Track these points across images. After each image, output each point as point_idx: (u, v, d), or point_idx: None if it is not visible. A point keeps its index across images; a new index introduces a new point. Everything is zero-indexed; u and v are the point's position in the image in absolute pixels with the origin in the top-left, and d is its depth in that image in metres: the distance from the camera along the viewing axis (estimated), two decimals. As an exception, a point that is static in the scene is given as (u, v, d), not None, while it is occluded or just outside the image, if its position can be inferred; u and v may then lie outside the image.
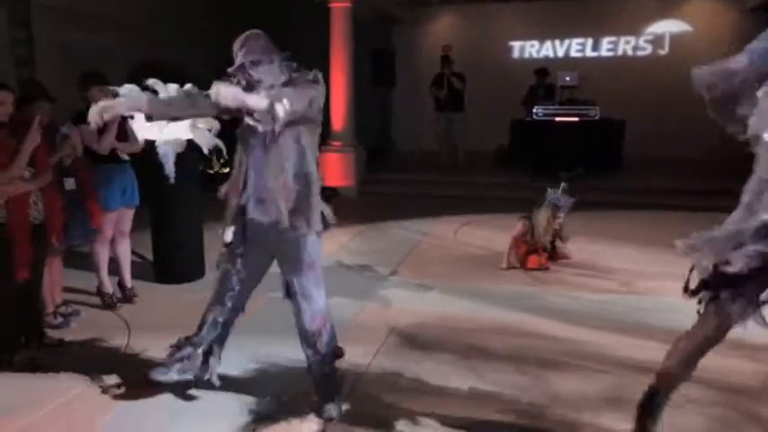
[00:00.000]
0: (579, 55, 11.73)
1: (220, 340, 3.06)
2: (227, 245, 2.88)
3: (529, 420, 2.86)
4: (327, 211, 2.81)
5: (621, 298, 4.51)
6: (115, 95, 3.32)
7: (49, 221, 3.47)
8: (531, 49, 12.06)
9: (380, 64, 10.59)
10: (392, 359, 3.47)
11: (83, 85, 4.08)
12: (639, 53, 11.41)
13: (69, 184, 3.89)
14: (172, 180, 4.40)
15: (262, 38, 2.67)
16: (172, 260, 4.93)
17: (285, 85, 2.63)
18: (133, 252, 4.69)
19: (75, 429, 2.81)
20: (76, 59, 6.55)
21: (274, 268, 2.91)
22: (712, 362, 2.42)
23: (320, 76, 2.71)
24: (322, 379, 2.87)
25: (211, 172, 9.20)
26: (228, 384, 3.13)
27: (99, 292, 4.40)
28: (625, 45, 11.50)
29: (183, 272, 4.93)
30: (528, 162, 9.34)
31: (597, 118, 9.38)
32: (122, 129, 4.15)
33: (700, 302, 2.33)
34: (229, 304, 2.94)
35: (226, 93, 2.40)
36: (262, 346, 3.52)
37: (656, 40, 11.26)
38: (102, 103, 2.62)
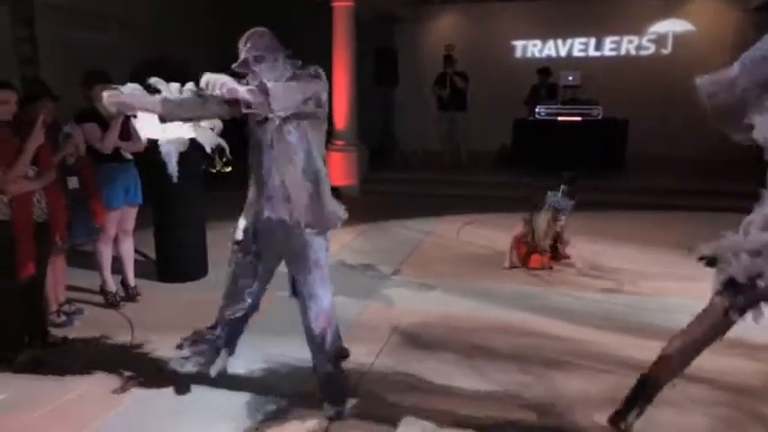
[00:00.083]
0: (582, 54, 11.71)
1: (233, 337, 3.09)
2: (236, 242, 2.90)
3: (532, 419, 2.85)
4: (339, 208, 2.81)
5: (624, 298, 4.51)
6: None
7: (52, 220, 3.48)
8: (533, 48, 12.05)
9: (383, 63, 10.60)
10: (395, 358, 3.47)
11: (86, 83, 4.09)
12: (642, 53, 11.40)
13: (72, 182, 3.90)
14: (175, 179, 4.40)
15: (266, 35, 2.68)
16: (175, 259, 4.94)
17: (289, 79, 2.63)
18: (136, 251, 4.69)
19: (79, 427, 2.81)
20: (80, 58, 6.56)
21: (284, 266, 2.92)
22: (714, 361, 2.43)
23: (321, 71, 2.71)
24: (326, 378, 2.87)
25: (214, 171, 9.22)
26: (234, 383, 3.14)
27: (102, 291, 4.41)
28: (628, 44, 11.48)
29: (186, 270, 4.94)
30: (530, 162, 9.33)
31: (600, 118, 9.37)
32: (125, 128, 4.15)
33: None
34: (244, 302, 2.95)
35: (214, 81, 2.40)
36: (269, 345, 3.52)
37: (659, 40, 11.24)
38: (116, 95, 2.63)
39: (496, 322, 4.02)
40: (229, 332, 3.07)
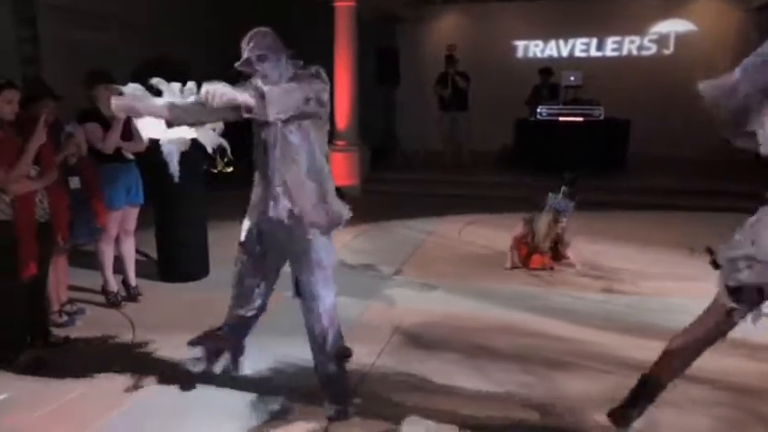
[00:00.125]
0: (584, 55, 11.71)
1: (241, 337, 3.12)
2: (241, 243, 2.92)
3: (533, 419, 2.85)
4: (343, 207, 2.82)
5: (625, 298, 4.50)
6: (120, 95, 3.34)
7: (54, 220, 3.48)
8: (535, 48, 12.05)
9: (384, 63, 10.60)
10: (396, 358, 3.47)
11: (89, 83, 4.09)
12: (644, 53, 11.39)
13: (74, 182, 3.90)
14: (176, 179, 4.39)
15: (269, 35, 2.70)
16: (176, 259, 4.94)
17: (290, 80, 2.65)
18: (138, 251, 4.69)
19: (81, 427, 2.81)
20: (81, 58, 6.57)
21: (288, 266, 2.93)
22: (715, 362, 2.43)
23: (322, 70, 2.72)
24: (327, 378, 2.87)
25: (215, 171, 9.22)
26: (238, 382, 3.15)
27: (104, 291, 4.41)
28: (630, 45, 11.48)
29: (188, 270, 4.94)
30: (532, 162, 9.33)
31: (602, 118, 9.37)
32: (127, 128, 4.15)
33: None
34: (254, 302, 2.99)
35: (213, 92, 2.40)
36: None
37: (661, 40, 11.23)
38: (124, 101, 2.67)
39: (498, 322, 4.02)
40: (238, 332, 3.09)
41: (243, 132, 2.90)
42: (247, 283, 2.95)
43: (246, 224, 2.91)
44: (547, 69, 10.07)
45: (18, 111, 3.28)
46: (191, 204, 4.89)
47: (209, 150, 4.45)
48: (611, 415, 2.57)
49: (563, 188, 5.15)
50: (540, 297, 4.55)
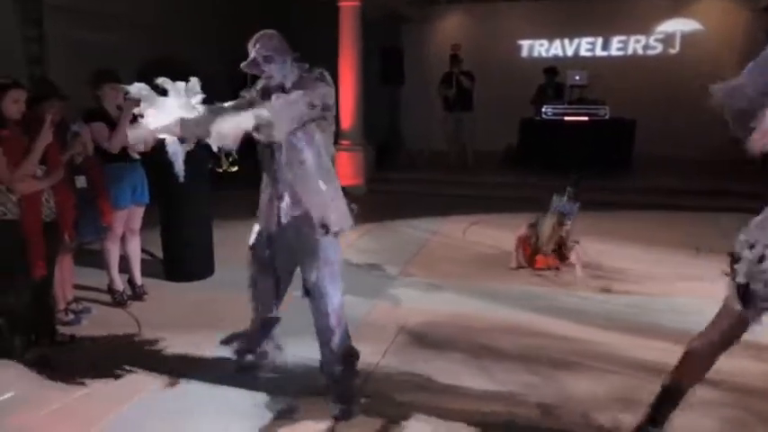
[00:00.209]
0: (589, 54, 11.67)
1: (264, 337, 3.17)
2: (251, 247, 2.98)
3: (539, 420, 2.85)
4: (349, 208, 2.85)
5: (632, 298, 4.48)
6: (126, 94, 3.38)
7: (61, 219, 3.50)
8: (540, 48, 12.01)
9: (389, 62, 10.60)
10: (401, 358, 3.47)
11: (95, 82, 4.11)
12: (650, 52, 11.34)
13: (80, 182, 3.92)
14: (181, 178, 4.39)
15: (275, 37, 2.73)
16: (181, 258, 4.95)
17: (296, 83, 2.68)
18: (143, 250, 4.71)
19: (87, 425, 2.82)
20: (88, 58, 6.58)
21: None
22: (721, 363, 2.40)
23: (326, 73, 2.74)
24: (333, 378, 2.88)
25: (220, 171, 9.25)
26: (246, 381, 3.15)
27: (109, 290, 4.43)
28: (635, 44, 11.43)
29: (193, 270, 4.95)
30: (537, 162, 9.31)
31: (607, 117, 9.34)
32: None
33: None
34: (272, 304, 3.04)
35: (227, 132, 2.47)
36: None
37: (667, 39, 11.19)
38: (140, 132, 2.78)
39: (503, 322, 4.02)
40: (262, 332, 3.15)
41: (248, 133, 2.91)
42: (261, 285, 3.01)
43: (256, 228, 2.96)
44: (552, 69, 10.04)
45: (24, 110, 3.30)
46: (196, 204, 4.90)
47: (215, 150, 4.46)
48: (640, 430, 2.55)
49: (568, 189, 5.14)
50: (546, 297, 4.54)
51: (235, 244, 3.82)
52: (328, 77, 2.73)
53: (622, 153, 9.43)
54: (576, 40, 11.75)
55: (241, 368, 3.24)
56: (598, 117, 9.34)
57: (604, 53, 11.61)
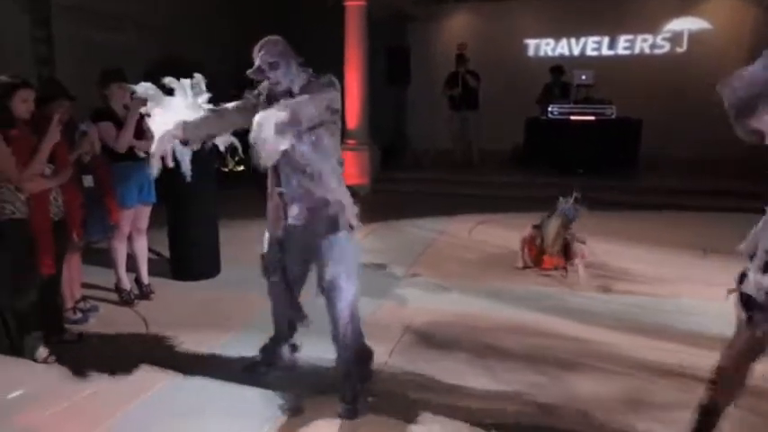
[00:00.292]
0: (595, 53, 11.60)
1: (291, 335, 3.23)
2: (263, 255, 3.02)
3: (544, 420, 2.84)
4: (355, 208, 2.88)
5: (638, 299, 4.47)
6: (133, 94, 3.41)
7: (69, 218, 3.52)
8: (546, 47, 11.95)
9: (395, 61, 10.60)
10: (407, 357, 3.47)
11: (102, 82, 4.13)
12: (657, 51, 11.25)
13: (88, 181, 3.94)
14: (188, 178, 4.41)
15: (280, 43, 2.76)
16: (188, 257, 4.97)
17: (303, 87, 2.71)
18: (150, 249, 4.73)
19: (95, 424, 2.83)
20: (95, 58, 6.61)
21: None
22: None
23: (334, 79, 2.77)
24: (344, 376, 2.91)
25: (226, 170, 9.27)
26: (254, 379, 3.17)
27: (117, 289, 4.44)
28: (642, 43, 11.35)
29: (199, 269, 4.97)
30: (543, 161, 9.28)
31: (614, 117, 9.30)
32: (140, 127, 4.18)
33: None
34: (286, 309, 3.08)
35: (269, 151, 2.43)
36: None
37: (675, 38, 11.11)
38: (159, 147, 2.92)
39: (509, 322, 4.01)
40: (287, 334, 3.22)
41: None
42: (275, 291, 3.05)
43: (267, 235, 3.00)
44: (558, 68, 10.01)
45: (33, 110, 3.32)
46: (202, 203, 4.91)
47: (221, 149, 4.47)
48: None
49: (574, 193, 5.12)
50: (552, 297, 4.53)
51: (241, 243, 3.84)
52: (336, 83, 2.76)
53: (629, 153, 9.38)
54: (582, 39, 11.68)
55: (248, 367, 3.26)
56: (604, 116, 9.30)
57: (611, 52, 11.54)
